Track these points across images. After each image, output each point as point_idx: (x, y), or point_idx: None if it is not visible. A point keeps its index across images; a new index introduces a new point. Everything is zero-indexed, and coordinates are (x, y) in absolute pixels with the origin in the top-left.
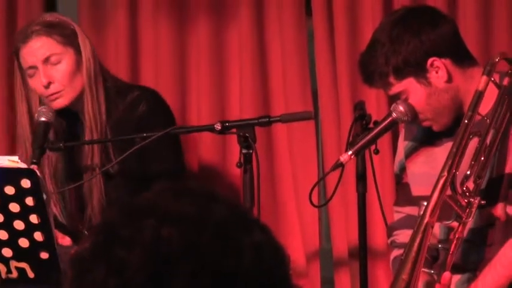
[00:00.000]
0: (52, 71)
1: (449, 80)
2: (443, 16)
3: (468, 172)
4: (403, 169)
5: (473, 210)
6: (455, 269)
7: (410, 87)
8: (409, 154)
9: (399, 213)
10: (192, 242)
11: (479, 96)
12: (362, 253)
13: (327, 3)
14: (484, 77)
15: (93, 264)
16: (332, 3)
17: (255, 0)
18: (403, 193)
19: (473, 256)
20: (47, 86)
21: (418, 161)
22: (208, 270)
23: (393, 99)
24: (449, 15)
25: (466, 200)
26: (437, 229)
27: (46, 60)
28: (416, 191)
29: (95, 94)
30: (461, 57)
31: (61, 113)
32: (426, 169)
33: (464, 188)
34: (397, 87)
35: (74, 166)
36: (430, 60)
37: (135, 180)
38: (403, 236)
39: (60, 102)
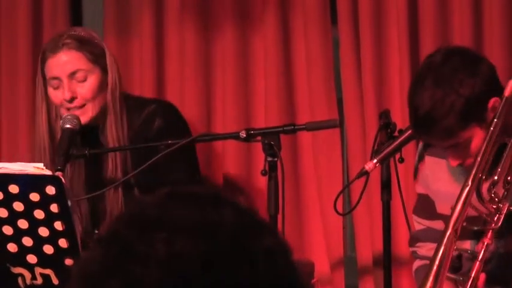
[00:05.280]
0: (76, 86)
1: None
2: (479, 54)
3: (496, 177)
4: (421, 158)
5: (502, 216)
6: (493, 282)
7: (474, 133)
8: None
9: (420, 224)
10: (207, 255)
11: (505, 102)
12: (386, 261)
13: (353, 11)
14: (511, 81)
15: (106, 279)
16: (357, 11)
17: (281, 8)
18: (421, 204)
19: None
20: (70, 101)
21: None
22: (225, 284)
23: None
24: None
25: (494, 206)
26: (468, 245)
27: (72, 75)
28: (441, 208)
29: (118, 112)
30: (501, 92)
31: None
32: (453, 188)
33: (493, 194)
34: (462, 137)
35: (94, 179)
36: (492, 101)
37: (152, 192)
38: (426, 249)
39: (81, 120)
